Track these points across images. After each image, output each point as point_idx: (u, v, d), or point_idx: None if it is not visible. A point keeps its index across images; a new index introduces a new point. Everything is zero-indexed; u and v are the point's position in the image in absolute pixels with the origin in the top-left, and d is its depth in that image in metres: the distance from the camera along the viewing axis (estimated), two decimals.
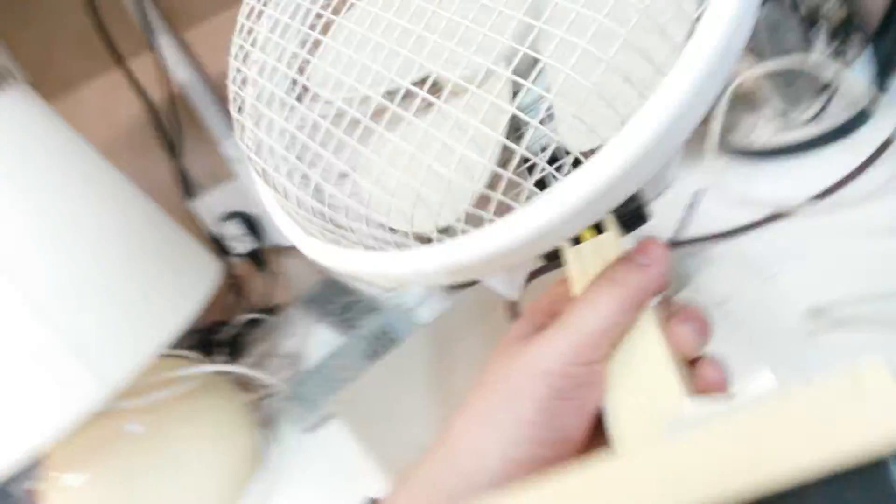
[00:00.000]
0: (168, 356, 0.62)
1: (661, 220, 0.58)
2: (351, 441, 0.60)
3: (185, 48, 0.75)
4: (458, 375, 0.57)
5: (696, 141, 0.57)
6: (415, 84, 0.27)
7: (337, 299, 0.80)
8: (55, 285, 0.48)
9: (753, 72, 0.54)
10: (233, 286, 0.85)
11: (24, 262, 0.47)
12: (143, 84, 0.75)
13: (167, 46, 0.73)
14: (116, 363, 0.49)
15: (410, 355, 0.63)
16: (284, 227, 0.34)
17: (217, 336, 0.82)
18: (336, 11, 0.33)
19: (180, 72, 0.74)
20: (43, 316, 0.46)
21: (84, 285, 0.49)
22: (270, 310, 0.86)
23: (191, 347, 0.77)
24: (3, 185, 0.47)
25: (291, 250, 0.80)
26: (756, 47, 0.56)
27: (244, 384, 0.72)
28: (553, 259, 0.31)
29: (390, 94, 0.27)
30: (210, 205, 0.79)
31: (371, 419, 0.57)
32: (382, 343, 0.68)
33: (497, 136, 0.26)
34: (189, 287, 0.55)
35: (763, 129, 0.59)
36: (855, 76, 0.56)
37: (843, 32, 0.55)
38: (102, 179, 0.54)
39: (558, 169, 0.26)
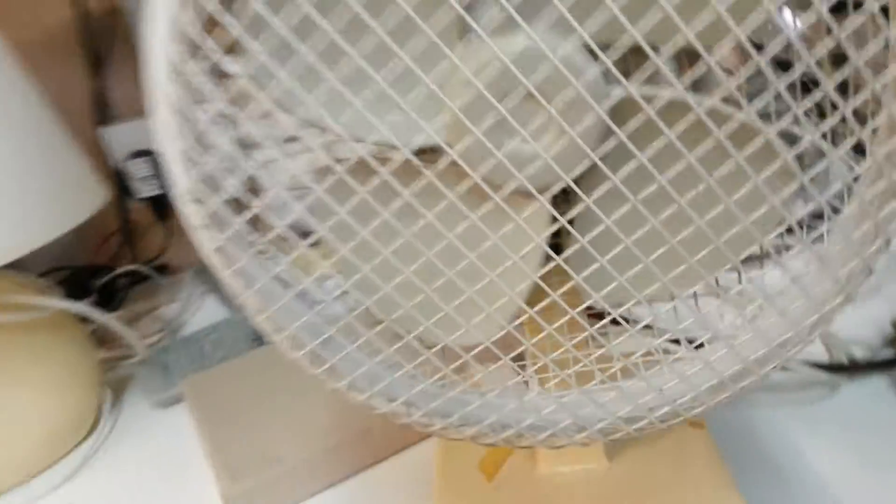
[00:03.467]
0: (20, 279, 0.54)
1: None
2: (192, 431, 0.53)
3: None
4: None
5: None
6: None
7: None
8: None
9: None
10: (126, 232, 0.77)
11: None
12: None
13: None
14: None
15: None
16: None
17: (92, 280, 0.73)
18: None
19: None
20: None
21: None
22: (160, 267, 0.78)
23: (60, 283, 0.69)
24: None
25: None
26: None
27: (104, 339, 0.64)
28: None
29: None
30: (122, 136, 0.71)
31: (225, 413, 0.51)
32: None
33: None
34: (60, 207, 0.48)
35: None
36: None
37: None
38: None
39: None
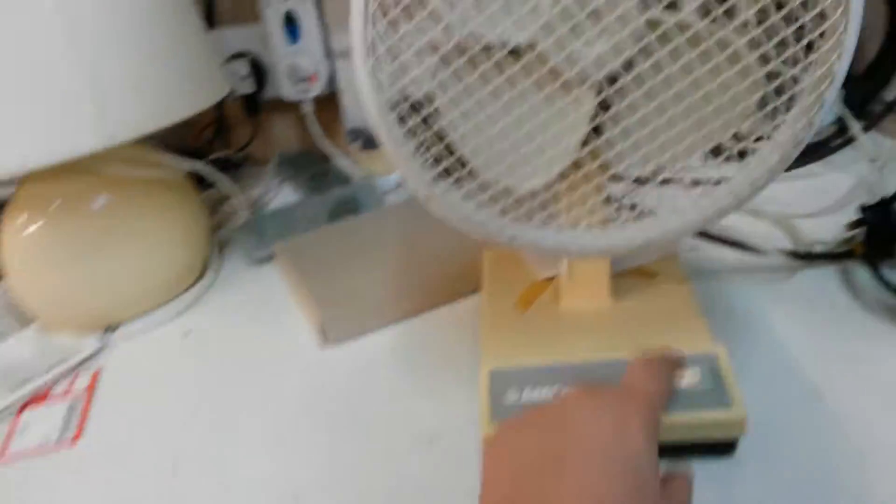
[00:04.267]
0: (151, 149, 0.67)
1: None
2: (282, 284, 0.66)
3: None
4: (410, 260, 0.63)
5: None
6: None
7: (311, 167, 0.86)
8: (97, 32, 0.52)
9: None
10: (219, 124, 0.89)
11: (82, 5, 0.51)
12: None
13: None
14: (123, 119, 0.53)
15: (369, 226, 0.69)
16: None
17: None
18: None
19: None
20: (78, 51, 0.51)
21: (123, 44, 0.53)
22: (247, 157, 0.91)
23: None
24: None
25: (285, 108, 0.86)
26: None
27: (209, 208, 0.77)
28: None
29: None
30: (225, 39, 0.83)
31: (312, 267, 0.63)
32: (348, 209, 0.74)
33: None
34: (201, 89, 0.60)
35: None
36: None
37: None
38: None
39: None
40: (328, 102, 0.86)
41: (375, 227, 0.69)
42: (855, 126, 0.73)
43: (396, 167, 0.38)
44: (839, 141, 0.74)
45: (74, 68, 0.51)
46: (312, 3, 0.77)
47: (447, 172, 0.38)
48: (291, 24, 0.78)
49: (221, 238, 0.76)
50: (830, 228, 0.62)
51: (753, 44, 0.33)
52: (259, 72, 0.83)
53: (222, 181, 0.69)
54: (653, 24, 0.33)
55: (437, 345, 0.55)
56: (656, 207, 0.40)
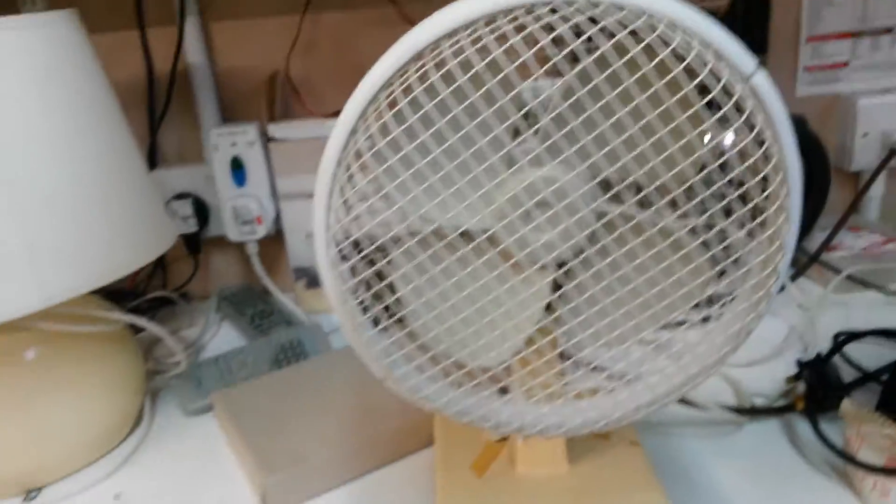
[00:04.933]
0: (87, 298, 0.65)
1: None
2: (220, 437, 0.63)
3: (207, 35, 0.80)
4: (359, 412, 0.61)
5: None
6: None
7: (253, 305, 0.84)
8: (33, 193, 0.51)
9: None
10: (158, 262, 0.87)
11: (16, 160, 0.50)
12: (153, 52, 0.80)
13: (191, 27, 0.78)
14: (59, 281, 0.51)
15: (315, 373, 0.67)
16: None
17: (125, 302, 0.83)
18: None
19: (193, 54, 0.79)
20: (12, 214, 0.49)
21: (59, 201, 0.52)
22: (184, 295, 0.89)
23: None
24: (28, 95, 0.51)
25: (226, 244, 0.85)
26: None
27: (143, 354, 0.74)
28: None
29: None
30: (168, 179, 0.83)
31: (252, 421, 0.60)
32: (291, 354, 0.72)
33: None
34: (143, 242, 0.59)
35: None
36: None
37: None
38: (110, 117, 0.58)
39: None
40: (272, 241, 0.85)
41: (321, 375, 0.67)
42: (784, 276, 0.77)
43: (351, 343, 0.38)
44: None
45: (8, 231, 0.49)
46: (260, 149, 0.79)
47: (398, 346, 0.38)
48: (238, 168, 0.79)
49: (156, 386, 0.72)
50: (771, 377, 0.64)
51: (699, 230, 0.35)
52: (202, 211, 0.82)
53: (159, 330, 0.66)
54: (599, 214, 0.34)
55: None
56: (610, 384, 0.40)
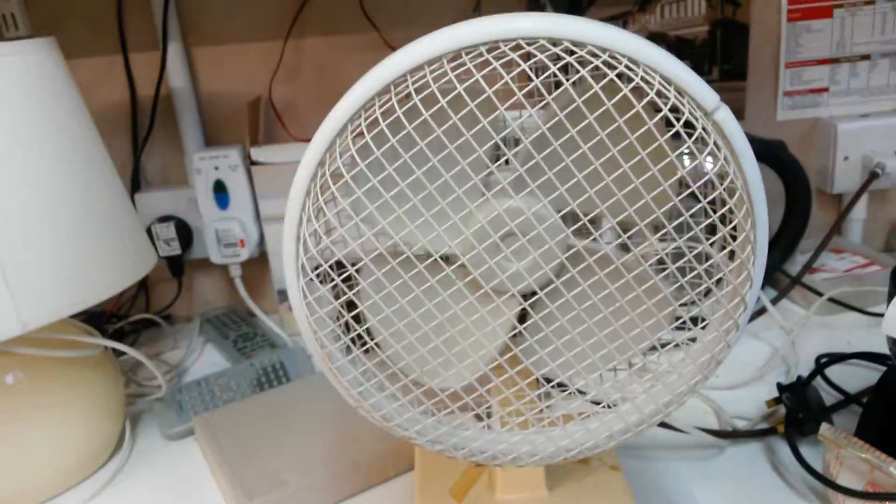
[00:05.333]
0: (68, 321, 0.65)
1: None
2: (201, 461, 0.63)
3: (190, 61, 0.81)
4: (341, 436, 0.61)
5: None
6: None
7: (237, 327, 0.84)
8: (13, 219, 0.51)
9: None
10: (142, 283, 0.87)
11: None
12: (136, 77, 0.80)
13: (173, 53, 0.79)
14: (38, 306, 0.51)
15: (297, 397, 0.67)
16: None
17: (107, 324, 0.83)
18: None
19: (176, 79, 0.80)
20: None
21: (35, 227, 0.52)
22: (167, 317, 0.88)
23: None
24: (4, 120, 0.51)
25: (210, 266, 0.85)
26: None
27: (124, 377, 0.73)
28: None
29: None
30: (152, 202, 0.83)
31: (233, 445, 0.60)
32: (274, 377, 0.72)
33: None
34: (123, 266, 0.59)
35: None
36: None
37: None
38: (88, 142, 0.58)
39: None
40: (255, 264, 0.85)
41: (303, 398, 0.66)
42: (764, 299, 0.77)
43: (324, 371, 0.38)
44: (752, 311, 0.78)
45: None
46: (243, 172, 0.79)
47: (369, 375, 0.38)
48: (221, 192, 0.79)
49: (137, 410, 0.72)
50: (752, 400, 0.64)
51: (668, 260, 0.35)
52: (185, 234, 0.82)
53: (138, 354, 0.66)
54: (567, 247, 0.35)
55: None
56: (582, 413, 0.40)
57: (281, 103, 0.83)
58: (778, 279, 0.85)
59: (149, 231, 0.81)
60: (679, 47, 0.85)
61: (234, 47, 0.81)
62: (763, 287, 0.80)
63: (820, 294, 0.78)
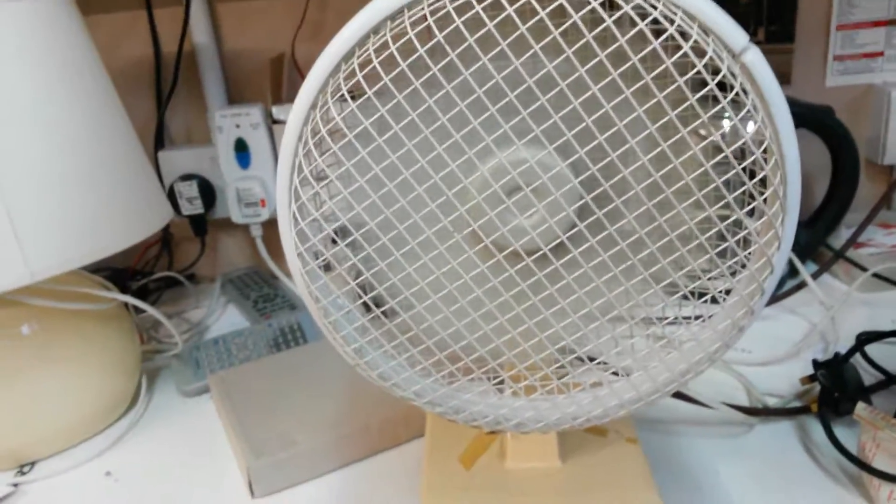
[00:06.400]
0: (85, 274, 0.64)
1: None
2: (215, 418, 0.63)
3: (214, 17, 0.80)
4: (353, 399, 0.60)
5: None
6: None
7: (258, 288, 0.83)
8: (22, 167, 0.50)
9: None
10: (165, 242, 0.87)
11: (6, 140, 0.49)
12: (160, 32, 0.79)
13: (197, 8, 0.77)
14: (47, 256, 0.51)
15: (312, 358, 0.66)
16: None
17: (131, 282, 0.83)
18: None
19: (199, 35, 0.78)
20: (0, 186, 0.49)
21: (45, 177, 0.52)
22: (191, 276, 0.88)
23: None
24: (14, 68, 0.50)
25: (234, 227, 0.84)
26: None
27: (142, 334, 0.74)
28: None
29: None
30: (175, 160, 0.82)
31: (247, 403, 0.60)
32: (291, 338, 0.71)
33: None
34: (138, 219, 0.58)
35: None
36: None
37: None
38: (101, 94, 0.57)
39: None
40: (277, 224, 0.84)
41: (319, 360, 0.66)
42: (804, 272, 0.73)
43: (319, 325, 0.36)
44: (791, 286, 0.74)
45: None
46: (265, 131, 0.78)
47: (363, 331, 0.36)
48: (242, 150, 0.78)
49: (155, 366, 0.72)
50: (786, 377, 0.61)
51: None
52: (208, 193, 0.82)
53: (153, 310, 0.66)
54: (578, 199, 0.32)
55: (377, 499, 0.52)
56: (604, 379, 0.38)
57: (304, 61, 0.81)
58: (821, 253, 0.80)
59: (171, 189, 0.81)
60: (722, 5, 0.80)
61: (257, 3, 0.80)
62: (804, 261, 0.77)
63: (864, 269, 0.74)
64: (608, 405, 0.37)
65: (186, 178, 0.81)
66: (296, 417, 0.58)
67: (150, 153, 0.82)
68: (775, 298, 0.73)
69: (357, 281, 0.34)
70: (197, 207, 0.81)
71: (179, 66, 0.81)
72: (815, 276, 0.75)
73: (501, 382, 0.38)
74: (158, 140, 0.83)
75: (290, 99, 0.83)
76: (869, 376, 0.59)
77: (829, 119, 0.73)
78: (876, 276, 0.74)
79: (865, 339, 0.63)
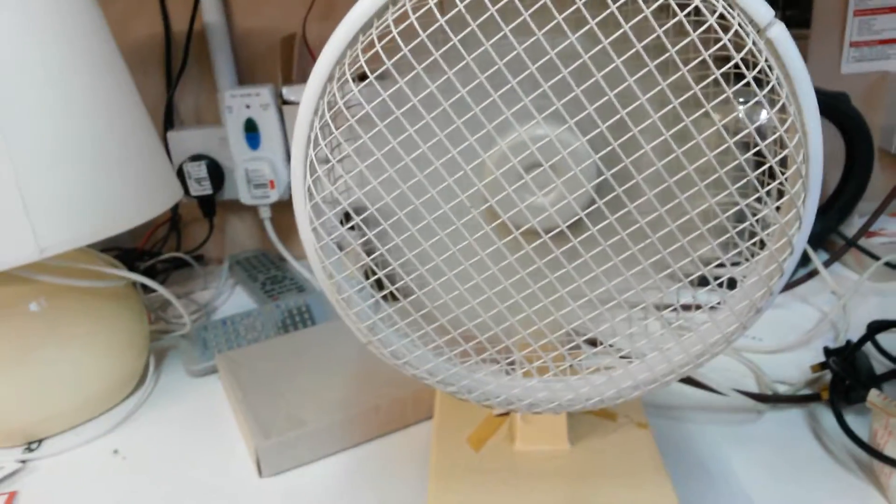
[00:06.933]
0: (94, 252, 0.64)
1: None
2: (222, 399, 0.63)
3: None
4: (361, 380, 0.60)
5: None
6: None
7: (266, 270, 0.83)
8: (34, 143, 0.50)
9: None
10: (173, 223, 0.87)
11: (18, 116, 0.49)
12: (170, 11, 0.79)
13: None
14: (57, 232, 0.51)
15: (320, 340, 0.66)
16: None
17: (139, 262, 0.83)
18: None
19: (210, 14, 0.78)
20: (7, 158, 0.48)
21: (54, 153, 0.51)
22: (199, 257, 0.88)
23: None
24: (25, 42, 0.50)
25: (242, 208, 0.84)
26: None
27: (150, 314, 0.74)
28: None
29: None
30: (184, 141, 0.82)
31: (254, 383, 0.60)
32: (300, 319, 0.71)
33: None
34: (147, 197, 0.58)
35: None
36: None
37: None
38: (113, 71, 0.57)
39: None
40: (286, 207, 0.84)
41: (327, 341, 0.65)
42: (816, 260, 0.73)
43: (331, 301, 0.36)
44: (802, 274, 0.73)
45: (2, 180, 0.48)
46: (274, 112, 0.77)
47: (377, 308, 0.36)
48: (252, 131, 0.78)
49: (163, 346, 0.72)
50: (796, 365, 0.60)
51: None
52: (217, 174, 0.81)
53: (162, 289, 0.66)
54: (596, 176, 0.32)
55: (385, 479, 0.52)
56: (604, 360, 0.38)
57: (315, 41, 0.81)
58: (833, 242, 0.80)
59: (180, 170, 0.81)
60: None
61: None
62: (816, 250, 0.76)
63: (876, 258, 0.73)
64: (622, 386, 0.37)
65: (195, 158, 0.80)
66: (304, 398, 0.57)
67: (159, 133, 0.82)
68: (787, 286, 0.73)
69: (372, 257, 0.33)
70: (206, 188, 0.81)
71: (190, 46, 0.80)
72: (826, 264, 0.74)
73: (513, 364, 0.37)
74: (168, 120, 0.83)
75: (301, 80, 0.82)
76: (880, 365, 0.59)
77: (845, 106, 0.73)
78: (888, 265, 0.73)
79: (877, 327, 0.62)
